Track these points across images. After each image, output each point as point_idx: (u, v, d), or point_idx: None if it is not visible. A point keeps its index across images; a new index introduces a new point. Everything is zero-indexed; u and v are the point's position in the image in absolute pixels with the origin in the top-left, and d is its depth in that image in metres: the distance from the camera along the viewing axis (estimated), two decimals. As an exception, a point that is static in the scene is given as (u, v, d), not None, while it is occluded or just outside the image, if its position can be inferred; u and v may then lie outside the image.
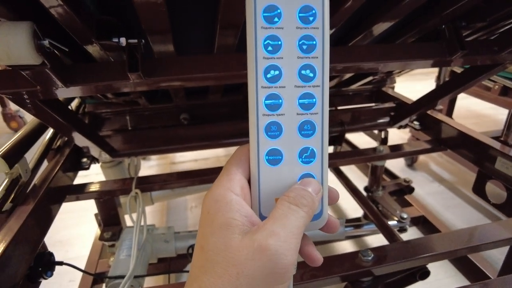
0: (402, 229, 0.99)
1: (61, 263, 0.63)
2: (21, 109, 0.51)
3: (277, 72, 0.27)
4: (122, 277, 0.63)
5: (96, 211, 0.87)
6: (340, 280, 0.56)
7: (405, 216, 0.97)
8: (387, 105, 1.09)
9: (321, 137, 0.28)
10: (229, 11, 0.40)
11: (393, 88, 1.21)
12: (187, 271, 0.82)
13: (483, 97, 1.48)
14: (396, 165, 1.77)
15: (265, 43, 0.26)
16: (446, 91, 0.86)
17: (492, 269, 0.87)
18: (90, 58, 0.51)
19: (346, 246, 1.24)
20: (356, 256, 0.58)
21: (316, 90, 0.27)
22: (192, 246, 0.82)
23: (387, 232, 0.84)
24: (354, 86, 1.12)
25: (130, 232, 0.78)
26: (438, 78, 1.49)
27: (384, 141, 1.11)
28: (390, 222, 0.98)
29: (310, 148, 0.28)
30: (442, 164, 1.80)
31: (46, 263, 0.61)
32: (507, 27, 0.63)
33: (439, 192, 1.58)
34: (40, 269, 0.59)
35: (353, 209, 1.41)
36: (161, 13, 0.38)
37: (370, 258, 0.57)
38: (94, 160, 0.86)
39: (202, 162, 1.93)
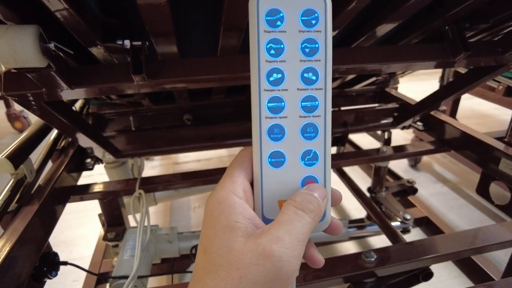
0: (405, 230, 0.99)
1: (65, 263, 0.63)
2: (25, 110, 0.51)
3: (279, 75, 0.27)
4: (126, 277, 0.63)
5: (100, 211, 0.87)
6: (343, 281, 0.57)
7: (408, 217, 0.97)
8: (390, 105, 1.09)
9: (323, 140, 0.29)
10: (233, 13, 0.40)
11: (396, 88, 1.20)
12: (191, 272, 0.82)
13: (487, 97, 1.47)
14: (399, 165, 1.77)
15: (268, 46, 0.26)
16: (449, 92, 0.85)
17: (496, 270, 0.87)
18: (95, 60, 0.52)
19: (349, 247, 1.24)
20: (359, 257, 0.58)
21: (318, 93, 0.28)
22: (195, 247, 0.82)
23: (390, 233, 0.84)
24: (357, 87, 1.12)
25: (133, 232, 0.78)
26: (442, 78, 1.48)
27: (387, 141, 1.11)
28: (393, 223, 0.98)
29: (313, 151, 0.29)
30: (446, 164, 1.80)
31: (51, 263, 0.61)
32: (511, 28, 0.63)
33: (443, 192, 1.57)
34: (45, 269, 0.59)
35: (357, 210, 1.41)
36: (165, 15, 0.38)
37: (373, 259, 0.57)
38: (98, 160, 0.86)
39: (205, 163, 1.93)
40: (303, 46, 0.27)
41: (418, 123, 1.02)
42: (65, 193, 0.73)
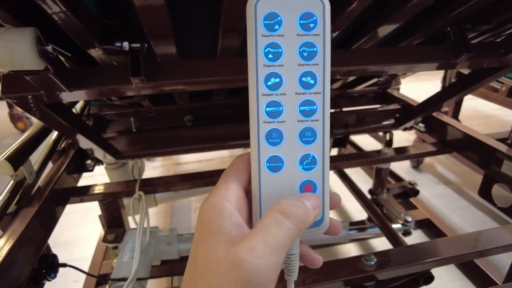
0: (407, 233, 0.99)
1: (64, 265, 0.63)
2: (27, 111, 0.51)
3: (277, 80, 0.27)
4: (125, 279, 0.63)
5: (101, 212, 0.87)
6: (343, 285, 0.56)
7: (409, 219, 0.96)
8: (392, 106, 1.08)
9: (322, 144, 0.28)
10: (231, 15, 0.40)
11: (398, 89, 1.20)
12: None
13: (490, 98, 1.46)
14: (401, 166, 1.76)
15: (266, 50, 0.26)
16: (451, 93, 0.85)
17: (498, 273, 0.86)
18: (94, 62, 0.52)
19: (350, 249, 1.23)
20: (359, 260, 0.57)
21: (317, 97, 0.27)
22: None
23: (391, 236, 0.83)
24: (359, 88, 1.11)
25: (133, 234, 0.78)
26: (444, 79, 1.47)
27: (389, 143, 1.10)
28: (394, 225, 0.97)
29: (311, 155, 0.28)
30: (448, 166, 1.79)
31: (50, 265, 0.61)
32: (513, 30, 0.63)
33: (445, 194, 1.57)
34: (43, 271, 0.59)
35: (358, 211, 1.40)
36: (163, 17, 0.38)
37: (373, 262, 0.56)
38: (98, 162, 0.86)
39: (206, 163, 1.93)
40: (301, 50, 0.26)
41: (420, 124, 1.01)
42: (65, 194, 0.73)
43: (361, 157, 0.93)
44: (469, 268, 0.93)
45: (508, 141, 1.17)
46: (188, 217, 1.47)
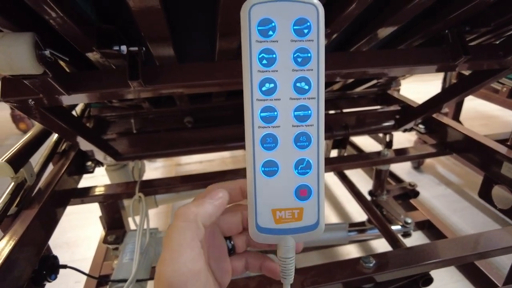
0: (406, 234, 0.98)
1: (65, 266, 0.64)
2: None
3: (272, 85, 0.27)
4: (125, 280, 0.64)
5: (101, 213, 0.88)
6: (342, 287, 0.56)
7: (409, 221, 0.96)
8: (392, 108, 1.08)
9: (317, 148, 0.28)
10: (228, 17, 0.40)
11: (398, 90, 1.20)
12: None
13: (491, 99, 1.46)
14: (402, 167, 1.76)
15: (260, 56, 0.26)
16: (451, 94, 0.85)
17: (498, 275, 0.86)
18: (93, 66, 0.52)
19: (350, 250, 1.23)
20: (357, 262, 0.57)
21: (311, 102, 0.27)
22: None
23: (390, 238, 0.83)
24: (359, 89, 1.11)
25: (133, 235, 0.79)
26: (444, 80, 1.47)
27: (389, 144, 1.10)
28: (394, 227, 0.97)
29: (306, 160, 0.28)
30: (449, 166, 1.78)
31: (51, 266, 0.61)
32: (512, 32, 0.63)
33: (446, 195, 1.56)
34: (44, 272, 0.59)
35: (358, 213, 1.40)
36: (159, 20, 0.38)
37: (371, 264, 0.56)
38: (98, 163, 0.87)
39: (207, 164, 1.94)
40: (295, 55, 0.27)
41: (420, 125, 1.01)
42: (65, 196, 0.74)
43: (361, 159, 0.93)
44: (469, 269, 0.92)
45: (508, 143, 1.16)
46: (189, 218, 1.47)
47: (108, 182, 1.04)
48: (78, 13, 0.37)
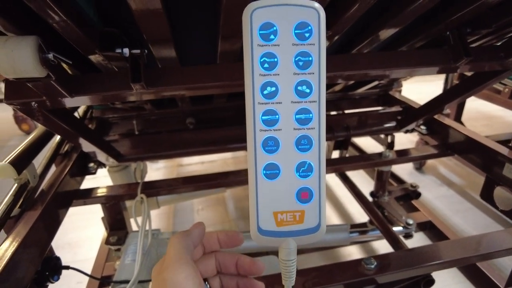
0: (408, 235, 0.98)
1: (67, 267, 0.64)
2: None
3: (273, 89, 0.27)
4: (127, 281, 0.64)
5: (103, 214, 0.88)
6: (343, 288, 0.56)
7: (410, 222, 0.96)
8: (394, 109, 1.08)
9: (318, 151, 0.29)
10: (230, 20, 0.40)
11: (400, 91, 1.20)
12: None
13: (493, 100, 1.45)
14: (404, 168, 1.76)
15: (262, 60, 0.26)
16: (453, 95, 0.84)
17: (500, 276, 0.86)
18: (96, 68, 0.52)
19: (352, 251, 1.23)
20: (359, 264, 0.57)
21: (312, 105, 0.28)
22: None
23: (392, 239, 0.83)
24: (361, 90, 1.11)
25: (135, 236, 0.79)
26: (446, 81, 1.47)
27: (390, 145, 1.10)
28: (396, 228, 0.97)
29: (308, 162, 0.29)
30: (451, 167, 1.78)
31: (53, 267, 0.62)
32: (514, 33, 0.63)
33: (448, 196, 1.56)
34: (47, 273, 0.60)
35: (360, 214, 1.40)
36: (161, 22, 0.38)
37: (373, 266, 0.56)
38: (101, 164, 0.87)
39: (209, 165, 1.94)
40: (296, 59, 0.27)
41: (422, 126, 1.01)
42: (67, 197, 0.74)
43: (362, 160, 0.93)
44: (471, 271, 0.92)
45: (510, 144, 1.16)
46: (191, 218, 1.48)
47: (110, 183, 1.04)
48: (81, 16, 0.37)
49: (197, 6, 0.45)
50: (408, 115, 1.03)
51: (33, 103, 0.46)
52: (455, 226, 1.35)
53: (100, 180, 1.06)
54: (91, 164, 0.85)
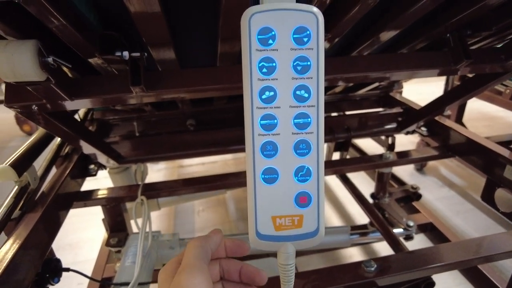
0: (408, 237, 0.98)
1: (67, 269, 0.64)
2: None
3: (272, 93, 0.27)
4: (127, 283, 0.64)
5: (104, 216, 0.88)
6: (343, 291, 0.56)
7: (411, 223, 0.96)
8: (394, 110, 1.08)
9: (316, 156, 0.29)
10: (229, 22, 0.40)
11: (401, 93, 1.20)
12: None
13: (494, 101, 1.45)
14: (405, 169, 1.75)
15: (260, 65, 0.27)
16: (454, 97, 0.84)
17: (501, 278, 0.86)
18: (97, 71, 0.52)
19: (353, 253, 1.23)
20: (359, 266, 0.57)
21: (311, 110, 0.28)
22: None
23: (392, 241, 0.83)
24: (361, 92, 1.11)
25: (135, 238, 0.79)
26: (447, 83, 1.46)
27: (391, 147, 1.10)
28: (396, 230, 0.97)
29: (306, 167, 0.29)
30: (452, 168, 1.78)
31: (54, 270, 0.62)
32: (514, 35, 0.62)
33: (449, 197, 1.56)
34: (47, 275, 0.60)
35: (360, 215, 1.40)
36: (160, 25, 0.38)
37: (373, 268, 0.56)
38: (101, 166, 0.87)
39: (210, 166, 1.94)
40: (295, 64, 0.27)
41: (422, 128, 1.01)
42: (68, 199, 0.74)
43: (363, 162, 0.93)
44: (472, 273, 0.92)
45: (511, 146, 1.16)
46: (192, 220, 1.48)
47: (111, 184, 1.04)
48: (81, 20, 0.37)
49: (197, 6, 0.45)
50: (409, 116, 1.03)
51: (33, 106, 0.46)
52: (456, 227, 1.35)
53: (101, 181, 1.06)
54: (92, 166, 0.85)
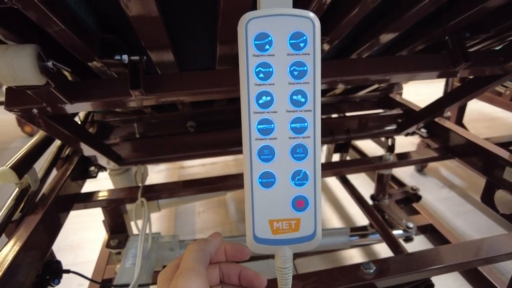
0: (408, 239, 0.98)
1: (68, 271, 0.64)
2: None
3: (269, 98, 0.27)
4: (127, 285, 0.64)
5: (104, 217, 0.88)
6: (342, 293, 0.56)
7: (411, 225, 0.96)
8: (394, 111, 1.08)
9: (313, 160, 0.29)
10: (228, 23, 0.41)
11: (400, 94, 1.20)
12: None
13: (494, 102, 1.45)
14: (405, 170, 1.75)
15: (257, 70, 0.27)
16: (454, 99, 0.84)
17: (501, 280, 0.85)
18: (97, 74, 0.53)
19: (353, 254, 1.23)
20: (358, 268, 0.57)
21: (307, 114, 0.28)
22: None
23: (392, 243, 0.83)
24: (361, 93, 1.12)
25: (135, 240, 0.79)
26: (446, 84, 1.46)
27: (391, 148, 1.10)
28: (396, 232, 0.97)
29: (303, 171, 0.29)
30: (453, 169, 1.77)
31: (54, 271, 0.62)
32: (512, 38, 0.63)
33: (450, 198, 1.56)
34: (47, 277, 0.60)
35: (360, 216, 1.40)
36: (158, 28, 0.38)
37: (372, 270, 0.57)
38: (102, 168, 0.88)
39: (210, 167, 1.94)
40: (291, 69, 0.27)
41: (422, 129, 1.01)
42: (68, 201, 0.75)
43: (362, 163, 0.93)
44: (472, 274, 0.92)
45: (511, 147, 1.16)
46: (192, 221, 1.48)
47: (111, 185, 1.05)
48: (80, 24, 0.38)
49: (196, 9, 0.45)
50: (409, 118, 1.03)
51: (34, 109, 0.47)
52: (456, 228, 1.35)
53: (102, 182, 1.07)
54: (92, 168, 0.85)
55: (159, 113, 0.95)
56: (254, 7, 0.27)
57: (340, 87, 0.96)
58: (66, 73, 0.52)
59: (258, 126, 0.28)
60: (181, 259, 0.30)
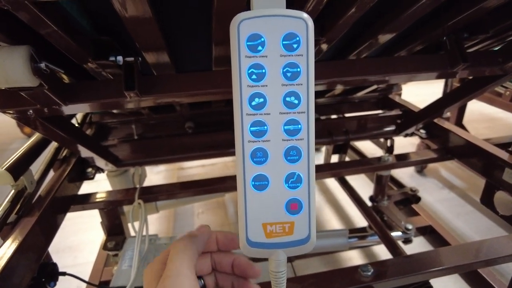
0: (407, 240, 0.98)
1: (64, 274, 0.64)
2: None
3: (261, 100, 0.27)
4: (124, 287, 0.64)
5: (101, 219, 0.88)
6: (340, 295, 0.56)
7: (409, 227, 0.95)
8: (393, 112, 1.07)
9: (307, 162, 0.28)
10: (223, 24, 0.40)
11: (400, 94, 1.19)
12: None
13: (494, 102, 1.45)
14: (405, 171, 1.75)
15: (249, 71, 0.26)
16: (453, 99, 0.84)
17: (501, 282, 0.85)
18: (92, 76, 0.52)
19: (352, 255, 1.23)
20: (355, 271, 0.57)
21: (301, 116, 0.27)
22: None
23: (390, 244, 0.82)
24: (360, 94, 1.11)
25: (132, 242, 0.79)
26: (446, 85, 1.46)
27: (390, 149, 1.09)
28: (395, 233, 0.97)
29: (297, 174, 0.28)
30: (453, 170, 1.77)
31: (50, 274, 0.62)
32: (511, 38, 0.62)
33: (449, 199, 1.55)
34: (43, 279, 0.60)
35: (359, 217, 1.39)
36: (152, 30, 0.38)
37: (369, 273, 0.56)
38: (99, 169, 0.87)
39: (210, 168, 1.94)
40: (284, 70, 0.27)
41: (421, 130, 1.01)
42: (65, 203, 0.74)
43: (361, 164, 0.93)
44: (471, 276, 0.91)
45: (510, 149, 1.15)
46: (191, 222, 1.48)
47: (110, 186, 1.04)
48: (73, 26, 0.37)
49: (190, 9, 0.45)
50: (408, 118, 1.02)
51: (29, 111, 0.46)
52: (456, 229, 1.34)
53: (100, 183, 1.06)
54: (89, 169, 0.85)
55: (157, 114, 0.95)
56: (248, 8, 0.27)
57: (339, 88, 0.95)
58: (62, 74, 0.52)
59: (251, 128, 0.27)
60: (167, 254, 0.29)
